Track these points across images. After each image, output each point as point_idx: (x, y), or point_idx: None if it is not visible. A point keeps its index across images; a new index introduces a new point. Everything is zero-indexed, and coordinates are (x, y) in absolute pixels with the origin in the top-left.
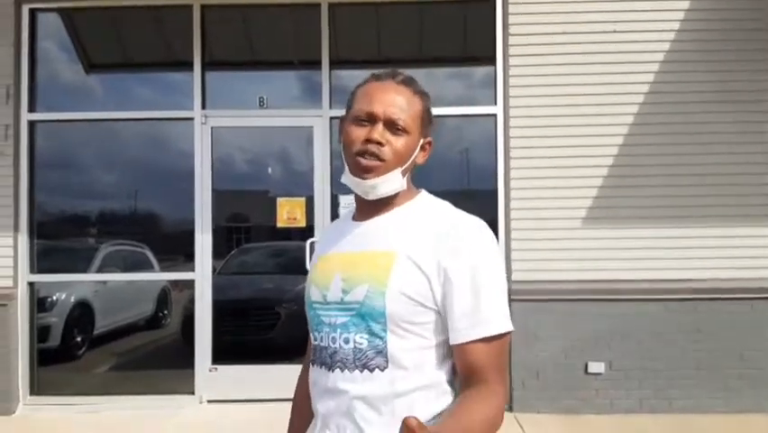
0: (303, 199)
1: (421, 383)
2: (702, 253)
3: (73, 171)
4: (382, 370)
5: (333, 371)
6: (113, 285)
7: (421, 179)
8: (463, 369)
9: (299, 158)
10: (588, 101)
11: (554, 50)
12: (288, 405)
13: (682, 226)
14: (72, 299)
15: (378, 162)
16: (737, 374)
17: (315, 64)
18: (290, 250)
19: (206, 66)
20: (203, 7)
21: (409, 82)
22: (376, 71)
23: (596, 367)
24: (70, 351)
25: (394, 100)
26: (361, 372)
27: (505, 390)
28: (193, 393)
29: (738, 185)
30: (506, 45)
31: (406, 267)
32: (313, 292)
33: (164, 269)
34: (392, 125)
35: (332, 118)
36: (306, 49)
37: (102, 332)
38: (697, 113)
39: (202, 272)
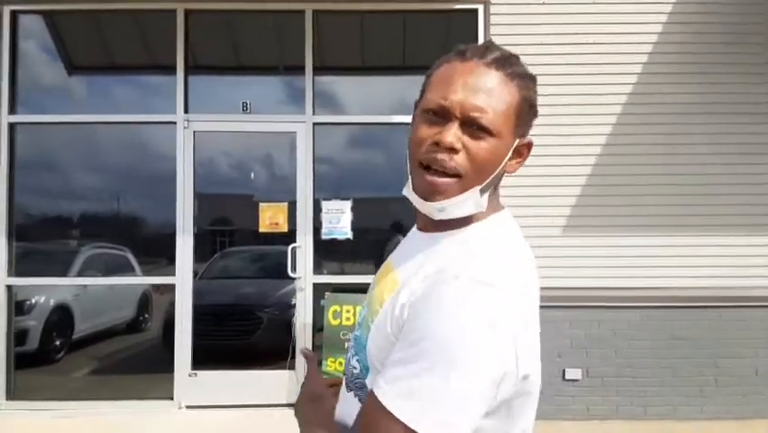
0: (285, 205)
1: None
2: (677, 261)
3: (54, 174)
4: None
5: (348, 391)
6: (93, 289)
7: (399, 188)
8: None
9: (282, 163)
10: (565, 111)
11: (534, 60)
12: (269, 411)
13: (658, 235)
14: (51, 303)
15: (448, 180)
16: (713, 381)
17: (299, 69)
18: (272, 255)
19: (189, 70)
20: (186, 12)
21: (504, 63)
22: (462, 45)
23: (573, 374)
24: (48, 355)
25: (478, 89)
26: (355, 396)
27: None
28: (172, 399)
29: (713, 195)
30: None
31: (397, 304)
32: (362, 311)
33: (145, 273)
34: (472, 124)
35: (315, 124)
36: (289, 54)
37: (81, 336)
38: (674, 123)
39: (182, 277)
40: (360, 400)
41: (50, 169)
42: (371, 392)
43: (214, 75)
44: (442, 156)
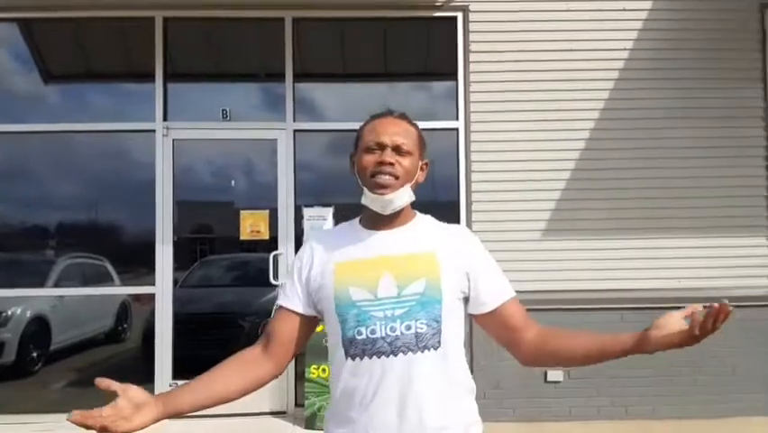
0: (266, 212)
1: (460, 355)
2: (654, 263)
3: (31, 184)
4: (436, 349)
5: (396, 355)
6: (70, 299)
7: None
8: (508, 322)
9: (263, 170)
10: (547, 117)
11: (512, 66)
12: (251, 420)
13: (635, 238)
14: (28, 314)
15: (392, 180)
16: (692, 381)
17: (279, 76)
18: (254, 263)
19: (168, 77)
20: (165, 19)
21: (404, 116)
22: (375, 113)
23: (554, 376)
24: (25, 368)
25: (396, 130)
26: (423, 352)
27: None
28: None
29: (691, 198)
30: (466, 61)
31: (447, 264)
32: (354, 292)
33: (125, 282)
34: (398, 149)
35: (295, 131)
36: (269, 61)
37: (59, 347)
38: (655, 128)
39: (162, 286)
40: (431, 348)
41: (27, 178)
42: (508, 293)
43: (193, 82)
44: (385, 168)
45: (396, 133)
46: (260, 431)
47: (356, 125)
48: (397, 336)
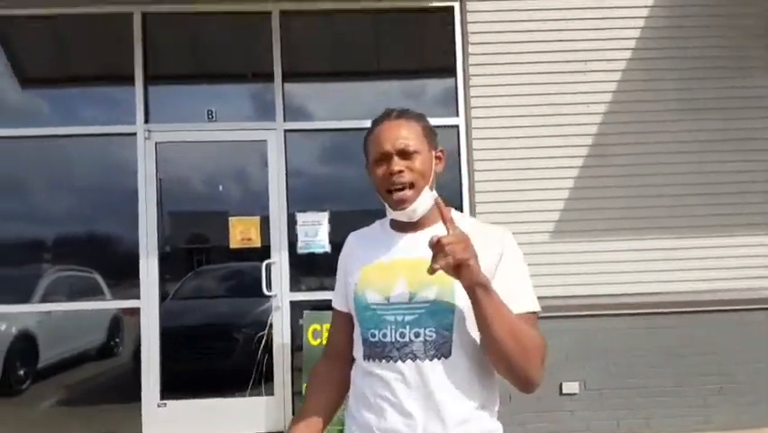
0: (257, 218)
1: (476, 364)
2: (676, 264)
3: (5, 192)
4: (447, 357)
5: (404, 361)
6: (58, 314)
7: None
8: None
9: (252, 174)
10: (552, 111)
11: (518, 58)
12: None
13: (656, 238)
14: (13, 330)
15: (407, 191)
16: (717, 390)
17: (267, 74)
18: (245, 272)
19: (149, 78)
20: (144, 15)
21: (403, 113)
22: (374, 118)
23: (570, 387)
24: (11, 386)
25: (397, 133)
26: (431, 360)
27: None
28: (140, 432)
29: (714, 194)
30: (465, 54)
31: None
32: (370, 295)
33: (115, 295)
34: (404, 153)
35: (286, 131)
36: (257, 58)
37: (45, 366)
38: (667, 121)
39: (148, 300)
40: (441, 357)
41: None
42: (520, 305)
43: (175, 82)
44: (396, 178)
45: (397, 137)
46: None
47: (350, 124)
48: (406, 342)
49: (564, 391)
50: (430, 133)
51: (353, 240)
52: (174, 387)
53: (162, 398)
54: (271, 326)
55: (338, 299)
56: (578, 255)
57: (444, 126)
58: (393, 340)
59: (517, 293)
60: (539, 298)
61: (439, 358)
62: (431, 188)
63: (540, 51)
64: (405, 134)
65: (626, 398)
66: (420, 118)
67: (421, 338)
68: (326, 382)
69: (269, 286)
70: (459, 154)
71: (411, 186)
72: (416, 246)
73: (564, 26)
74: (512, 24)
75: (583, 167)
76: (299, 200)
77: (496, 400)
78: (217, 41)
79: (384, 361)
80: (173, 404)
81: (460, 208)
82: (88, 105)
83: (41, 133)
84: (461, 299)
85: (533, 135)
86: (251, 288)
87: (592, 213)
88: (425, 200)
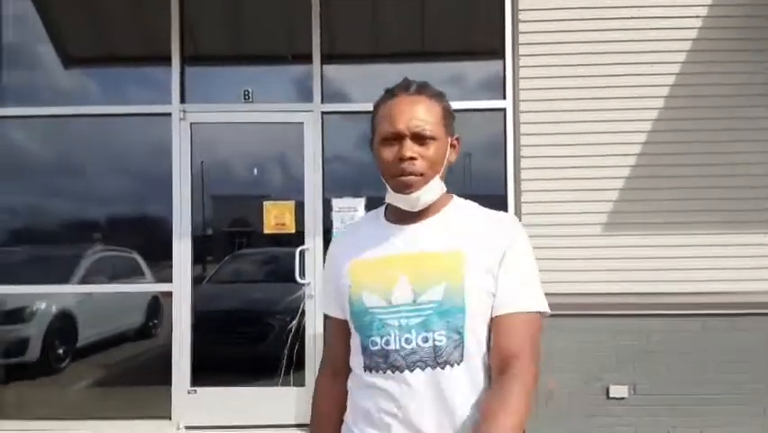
0: (292, 203)
1: (485, 372)
2: (737, 262)
3: (40, 172)
4: (459, 364)
5: (411, 371)
6: (98, 294)
7: None
8: (500, 341)
9: (288, 157)
10: (607, 94)
11: (572, 37)
12: (275, 432)
13: (718, 233)
14: (53, 310)
15: (416, 177)
16: None
17: (306, 55)
18: (278, 259)
19: (186, 58)
20: None
21: (423, 89)
22: (389, 87)
23: (618, 391)
24: (50, 365)
25: (414, 112)
26: (443, 368)
27: (537, 368)
28: (170, 418)
29: None
30: (515, 31)
31: (476, 264)
32: (368, 298)
33: (156, 276)
34: (419, 137)
35: (323, 113)
36: (295, 38)
37: (85, 344)
38: (736, 107)
39: (180, 284)
40: (454, 363)
41: (34, 166)
42: (524, 304)
43: (212, 63)
44: (406, 165)
45: (414, 116)
46: None
47: None
48: (413, 348)
49: (611, 395)
50: (449, 117)
51: (340, 237)
52: (204, 374)
53: (193, 384)
54: (303, 314)
55: (331, 303)
56: (633, 250)
57: (490, 110)
58: (397, 347)
59: (521, 291)
60: (589, 294)
61: (452, 365)
62: (441, 178)
63: (597, 30)
64: (423, 116)
65: (679, 405)
66: (441, 97)
67: (430, 343)
68: (336, 409)
69: (302, 273)
70: (505, 141)
71: (420, 175)
72: (416, 239)
73: (626, 2)
74: (565, 1)
75: (643, 154)
76: (336, 185)
77: None
78: (255, 20)
79: (388, 371)
80: (203, 391)
81: (504, 197)
82: (126, 84)
83: (76, 112)
84: (473, 296)
85: (588, 120)
86: (284, 275)
87: (649, 205)
88: (433, 190)
